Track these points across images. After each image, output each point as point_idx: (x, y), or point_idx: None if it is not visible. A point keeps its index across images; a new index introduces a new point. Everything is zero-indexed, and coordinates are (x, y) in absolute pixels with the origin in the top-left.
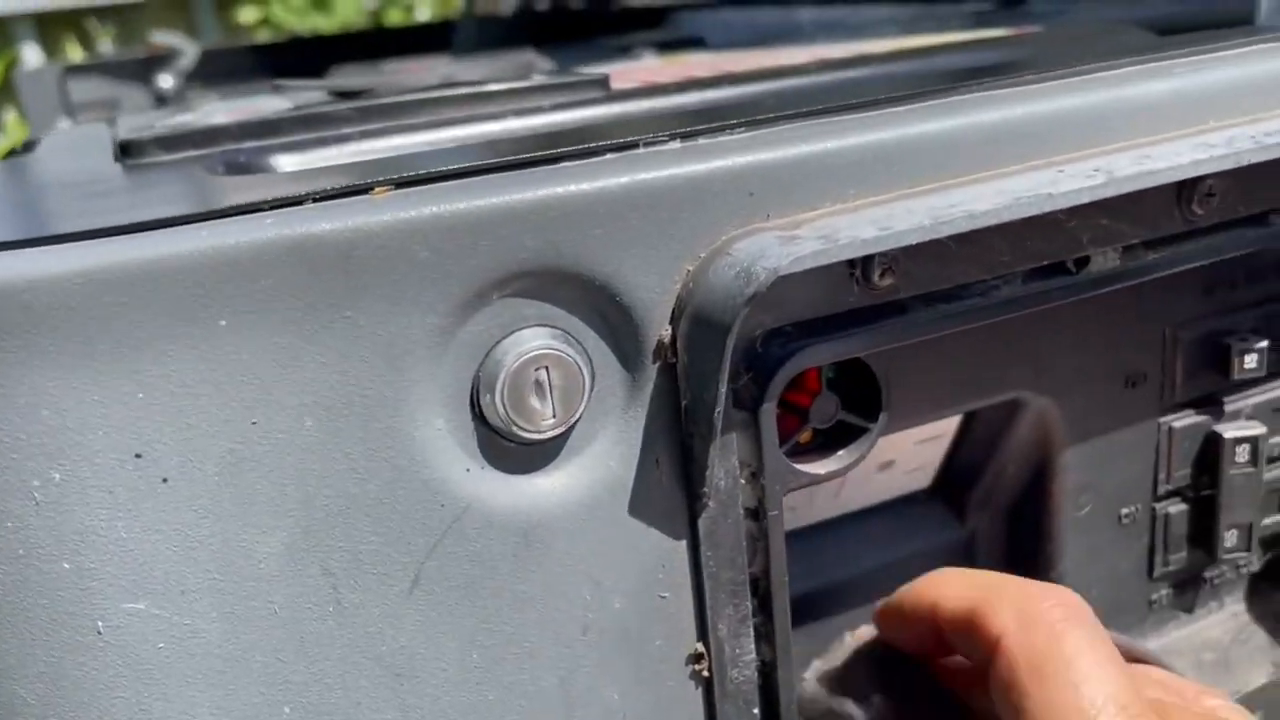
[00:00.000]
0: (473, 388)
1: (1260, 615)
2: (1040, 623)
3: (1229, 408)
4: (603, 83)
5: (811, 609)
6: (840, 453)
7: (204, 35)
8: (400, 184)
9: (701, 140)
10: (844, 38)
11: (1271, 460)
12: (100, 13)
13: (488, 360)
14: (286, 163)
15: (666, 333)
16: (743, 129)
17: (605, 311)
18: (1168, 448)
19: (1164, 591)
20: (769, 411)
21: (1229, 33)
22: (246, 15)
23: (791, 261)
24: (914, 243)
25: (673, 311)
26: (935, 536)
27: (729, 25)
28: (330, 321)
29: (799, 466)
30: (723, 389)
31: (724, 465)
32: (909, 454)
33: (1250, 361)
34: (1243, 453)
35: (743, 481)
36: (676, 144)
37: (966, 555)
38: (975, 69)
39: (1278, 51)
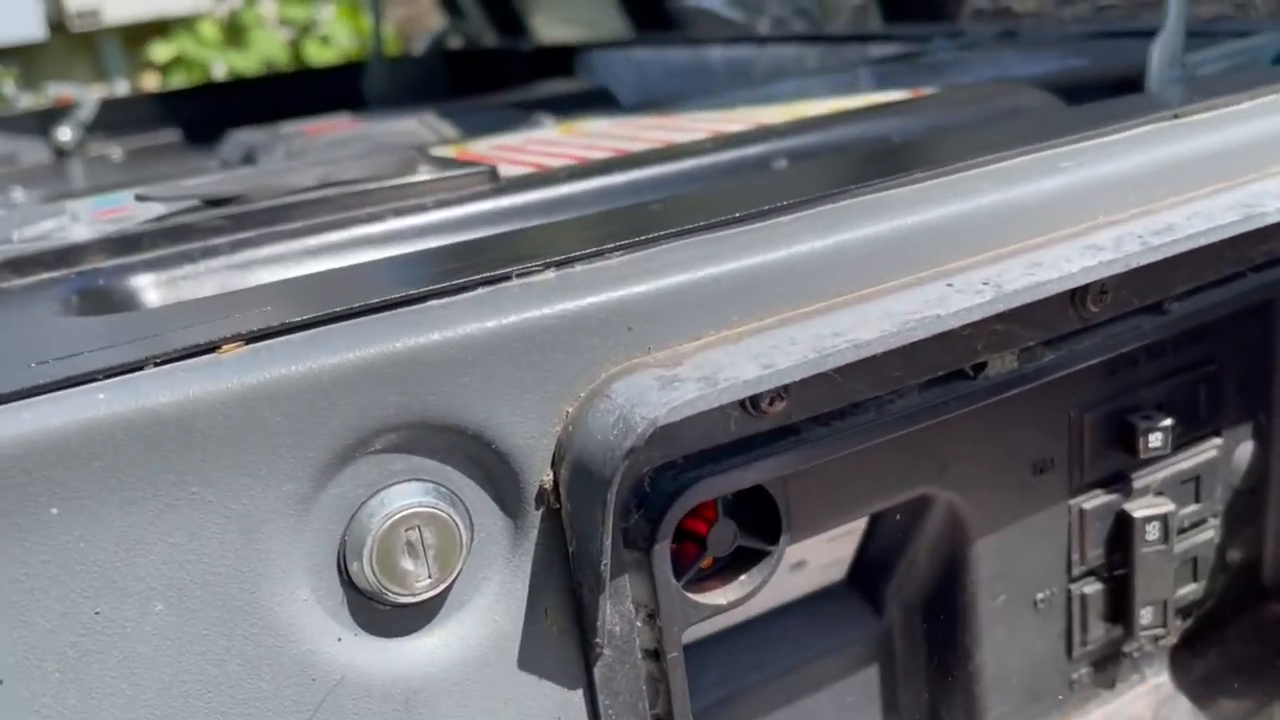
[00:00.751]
0: (339, 552)
1: (1182, 684)
2: None
3: (1137, 484)
4: (491, 174)
5: (728, 716)
6: (742, 578)
7: (112, 74)
8: (251, 339)
9: (578, 268)
10: (753, 91)
11: (1182, 531)
12: (1, 54)
13: (353, 524)
14: (151, 287)
15: (548, 478)
16: (620, 253)
17: (481, 460)
18: (1079, 529)
19: (1084, 670)
20: (663, 551)
21: (1118, 107)
22: (158, 53)
23: (670, 411)
24: (798, 379)
25: (554, 455)
26: (852, 630)
27: (640, 68)
28: (175, 500)
29: (699, 599)
30: (608, 540)
31: (618, 609)
32: (819, 551)
33: (1155, 440)
34: (1153, 530)
35: (639, 624)
36: (551, 274)
37: (885, 648)
38: (866, 153)
39: (1163, 136)
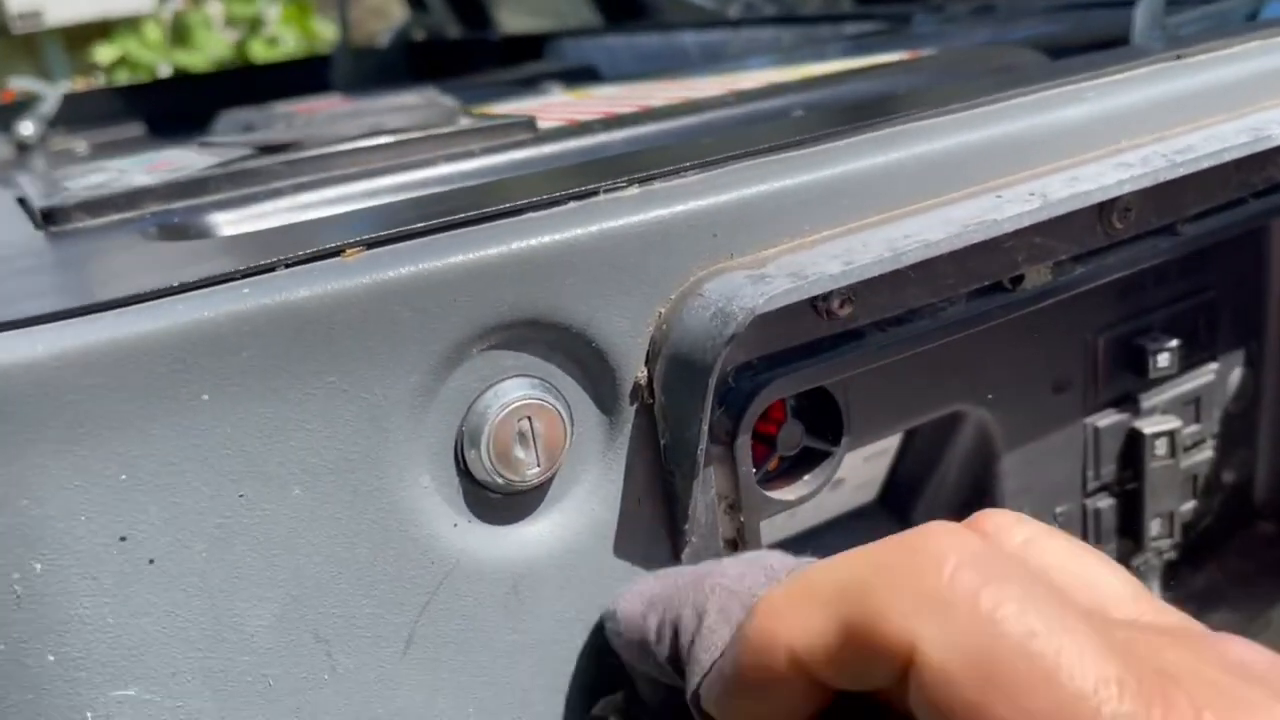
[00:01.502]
0: (456, 443)
1: (1183, 596)
2: (960, 605)
3: (1145, 404)
4: (530, 124)
5: None
6: (807, 477)
7: (55, 76)
8: (371, 244)
9: (658, 185)
10: (731, 65)
11: (1186, 449)
12: None
13: (470, 414)
14: (224, 224)
15: (643, 374)
16: (696, 170)
17: (581, 357)
18: (1094, 447)
19: None
20: (744, 444)
21: (1116, 54)
22: (102, 54)
23: (766, 301)
24: (875, 275)
25: (647, 353)
26: None
27: (613, 53)
28: (314, 388)
29: (772, 494)
30: (705, 427)
31: (704, 499)
32: (856, 470)
33: (1163, 360)
34: (1162, 445)
35: (721, 514)
36: (635, 189)
37: None
38: (889, 98)
39: (1171, 72)
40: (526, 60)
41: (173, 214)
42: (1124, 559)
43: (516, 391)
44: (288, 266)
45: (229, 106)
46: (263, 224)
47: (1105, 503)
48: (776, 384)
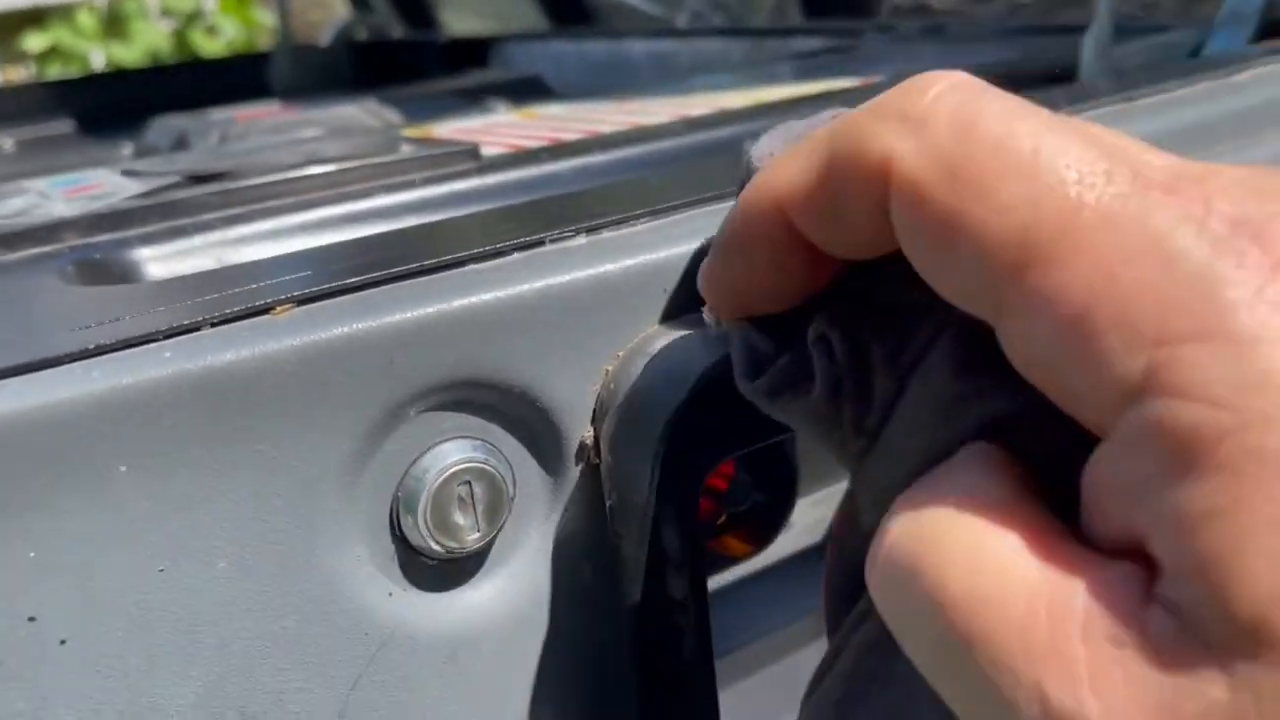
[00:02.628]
0: (392, 509)
1: None
2: (940, 116)
3: None
4: (473, 152)
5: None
6: (758, 531)
7: None
8: (302, 300)
9: (606, 234)
10: (681, 85)
11: None
12: None
13: (406, 479)
14: (150, 262)
15: (588, 434)
16: (645, 219)
17: (524, 417)
18: None
19: None
20: (693, 504)
21: (1064, 93)
22: (32, 43)
23: (715, 365)
24: None
25: (594, 412)
26: None
27: (559, 60)
28: (240, 457)
29: (720, 551)
30: (653, 490)
31: (651, 559)
32: (803, 513)
33: None
34: None
35: (670, 572)
36: (583, 239)
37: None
38: None
39: (1119, 118)
40: (471, 66)
41: (95, 249)
42: None
43: (456, 455)
44: (213, 325)
45: (163, 104)
46: (191, 264)
47: None
48: (729, 439)
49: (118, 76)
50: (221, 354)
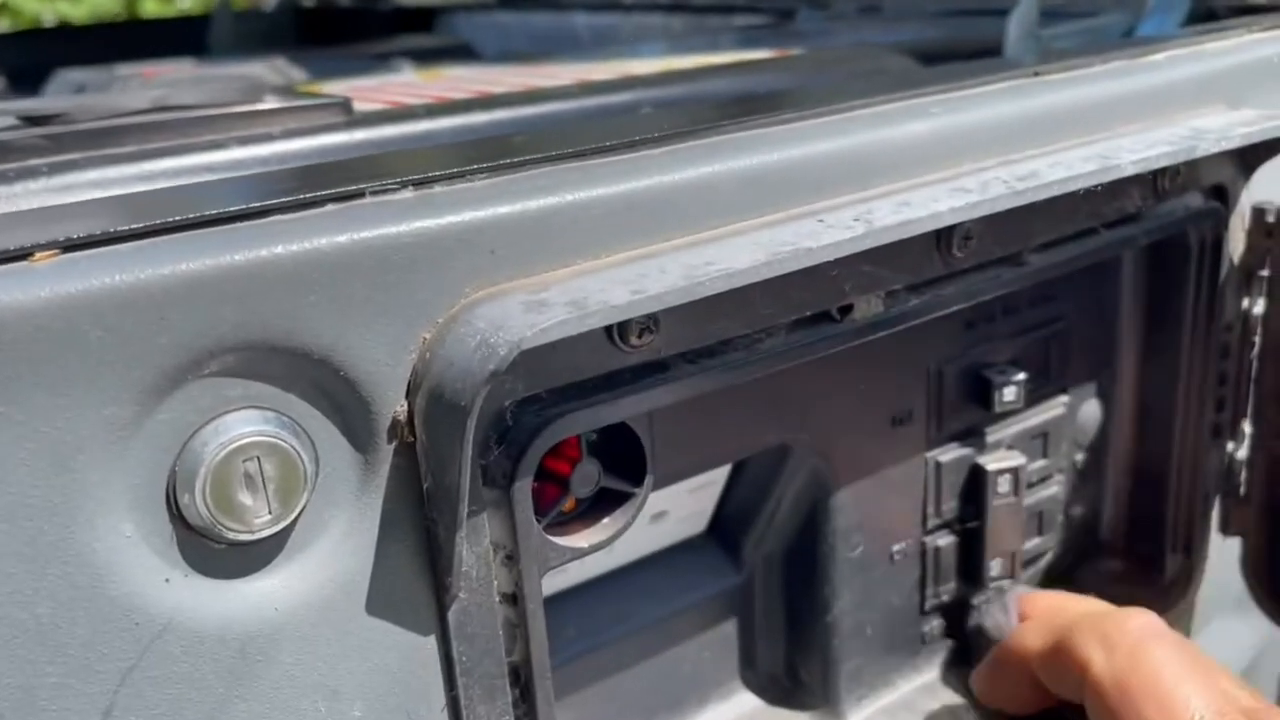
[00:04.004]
0: (169, 485)
1: None
2: (1121, 644)
3: (990, 439)
4: (344, 105)
5: (585, 673)
6: (605, 521)
7: None
8: (69, 247)
9: (438, 189)
10: (617, 48)
11: (1031, 486)
12: None
13: (185, 453)
14: None
15: (402, 409)
16: (484, 175)
17: (328, 387)
18: (935, 482)
19: (935, 623)
20: (524, 489)
21: (980, 65)
22: None
23: (536, 333)
24: (671, 305)
25: (409, 384)
26: (712, 584)
27: (503, 30)
28: None
29: (560, 541)
30: (466, 473)
31: (475, 550)
32: (681, 502)
33: (1009, 394)
34: (1004, 483)
35: (497, 566)
36: (409, 193)
37: (744, 601)
38: (735, 100)
39: (1024, 90)
40: (416, 33)
41: None
42: (962, 598)
43: (242, 427)
44: None
45: (92, 60)
46: (4, 209)
47: (945, 540)
48: (564, 420)
49: (53, 34)
50: None
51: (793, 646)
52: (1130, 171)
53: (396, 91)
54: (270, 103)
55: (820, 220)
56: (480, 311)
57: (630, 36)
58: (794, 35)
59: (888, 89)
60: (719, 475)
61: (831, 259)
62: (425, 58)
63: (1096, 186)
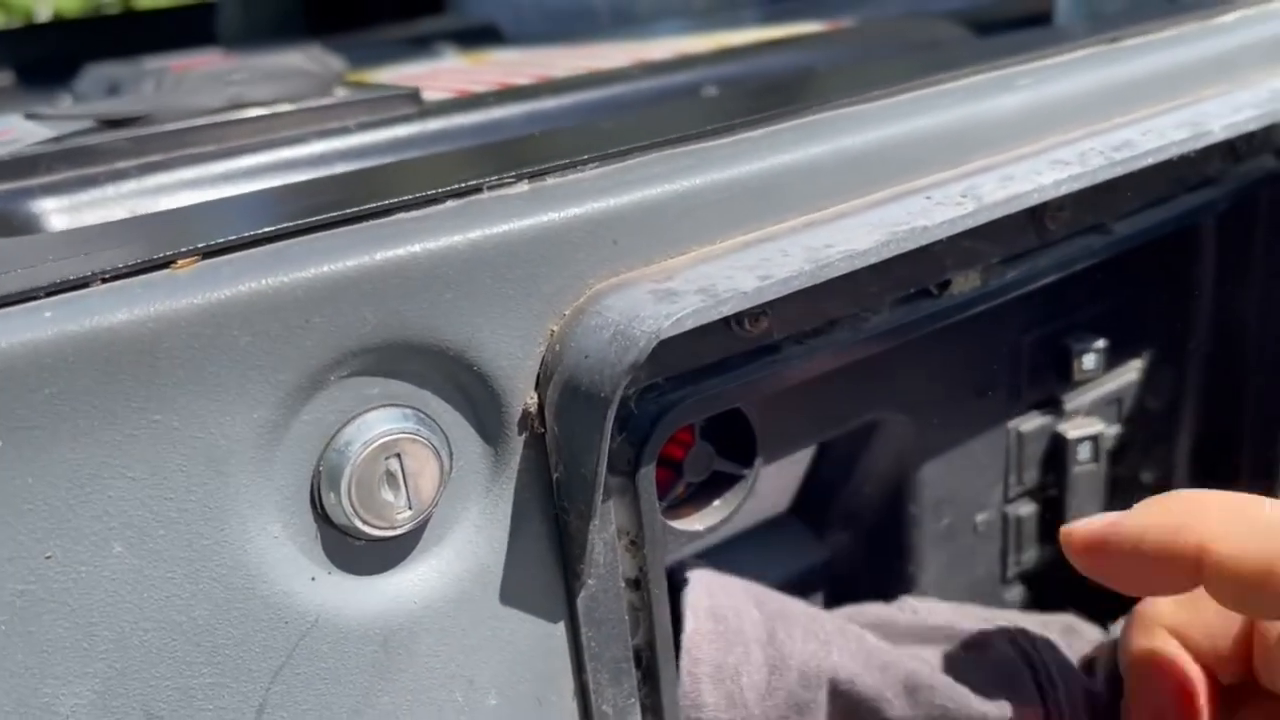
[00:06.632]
0: (312, 485)
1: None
2: (1253, 523)
3: (1069, 406)
4: (414, 96)
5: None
6: (717, 503)
7: None
8: (207, 254)
9: (551, 180)
10: (658, 25)
11: (1109, 452)
12: None
13: (328, 452)
14: (55, 213)
15: (532, 401)
16: (595, 164)
17: (461, 382)
18: (1017, 452)
19: (1016, 590)
20: (648, 475)
21: (1043, 35)
22: None
23: (673, 323)
24: (797, 289)
25: (538, 377)
26: (796, 561)
27: (519, 8)
28: (136, 429)
29: (678, 525)
30: (604, 462)
31: (602, 537)
32: (767, 480)
33: (1089, 361)
34: (1084, 450)
35: (622, 550)
36: (525, 186)
37: (828, 576)
38: (807, 78)
39: (1105, 58)
40: (427, 14)
41: None
42: (1043, 568)
43: (383, 425)
44: (104, 281)
45: (100, 53)
46: (100, 215)
47: (1026, 509)
48: (684, 408)
49: (58, 27)
50: (111, 313)
51: None
52: (1220, 137)
53: (452, 78)
54: (342, 95)
55: (928, 198)
56: (608, 302)
57: (650, 12)
58: (825, 6)
59: (966, 61)
60: (804, 452)
61: (945, 236)
62: (457, 40)
63: (1189, 153)
